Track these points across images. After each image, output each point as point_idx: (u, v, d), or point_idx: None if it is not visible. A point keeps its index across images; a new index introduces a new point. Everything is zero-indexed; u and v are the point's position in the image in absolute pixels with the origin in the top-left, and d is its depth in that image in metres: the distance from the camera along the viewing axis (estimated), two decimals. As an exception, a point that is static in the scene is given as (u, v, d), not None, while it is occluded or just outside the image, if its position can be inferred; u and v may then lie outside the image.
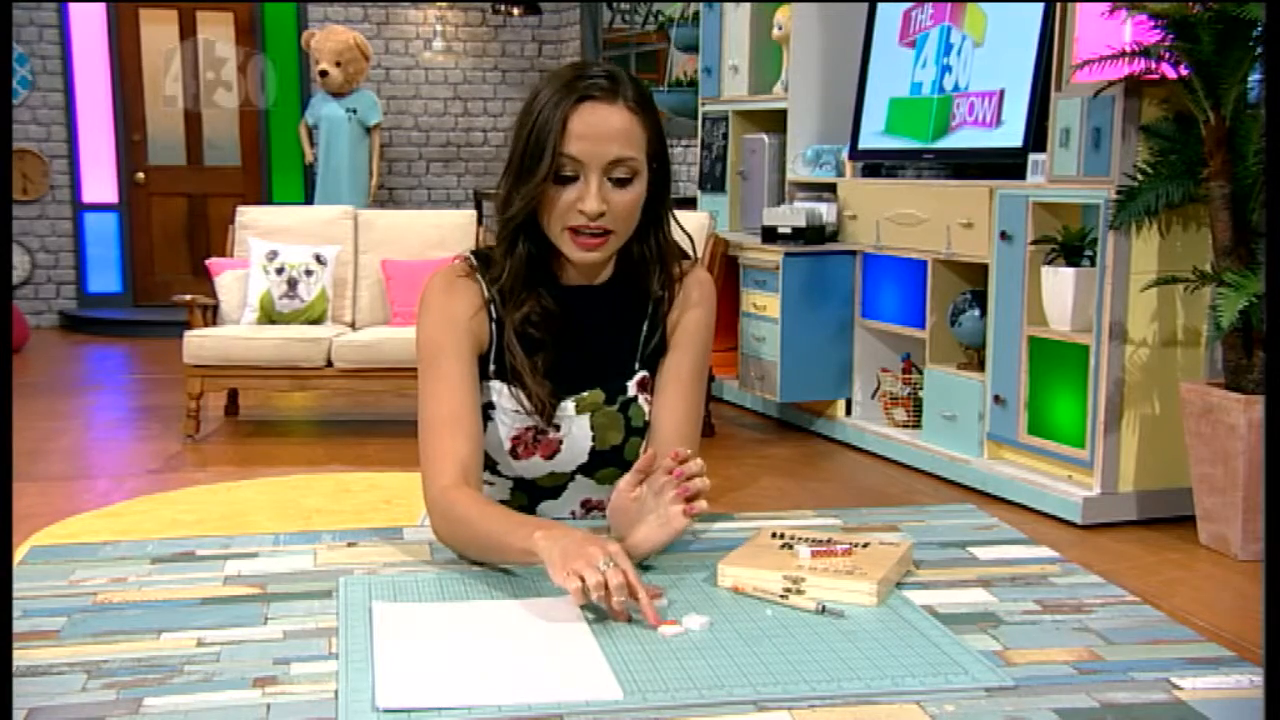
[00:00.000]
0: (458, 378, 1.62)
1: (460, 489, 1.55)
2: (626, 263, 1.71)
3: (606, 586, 1.29)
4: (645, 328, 1.74)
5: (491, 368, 1.69)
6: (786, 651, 1.25)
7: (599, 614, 1.33)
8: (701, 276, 1.78)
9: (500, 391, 1.68)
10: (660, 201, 1.68)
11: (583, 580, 1.30)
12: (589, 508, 1.78)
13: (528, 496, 1.75)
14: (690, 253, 1.78)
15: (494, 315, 1.67)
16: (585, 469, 1.73)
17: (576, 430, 1.70)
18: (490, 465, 1.71)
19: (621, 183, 1.60)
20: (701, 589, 1.42)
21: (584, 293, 1.71)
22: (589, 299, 1.71)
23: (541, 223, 1.64)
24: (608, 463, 1.73)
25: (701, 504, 1.45)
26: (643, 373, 1.74)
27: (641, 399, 1.73)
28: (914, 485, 4.80)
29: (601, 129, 1.58)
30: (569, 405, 1.70)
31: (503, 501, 1.76)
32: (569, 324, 1.69)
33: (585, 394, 1.71)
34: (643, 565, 1.51)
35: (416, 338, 1.68)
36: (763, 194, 5.97)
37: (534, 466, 1.71)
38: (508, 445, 1.69)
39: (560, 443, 1.70)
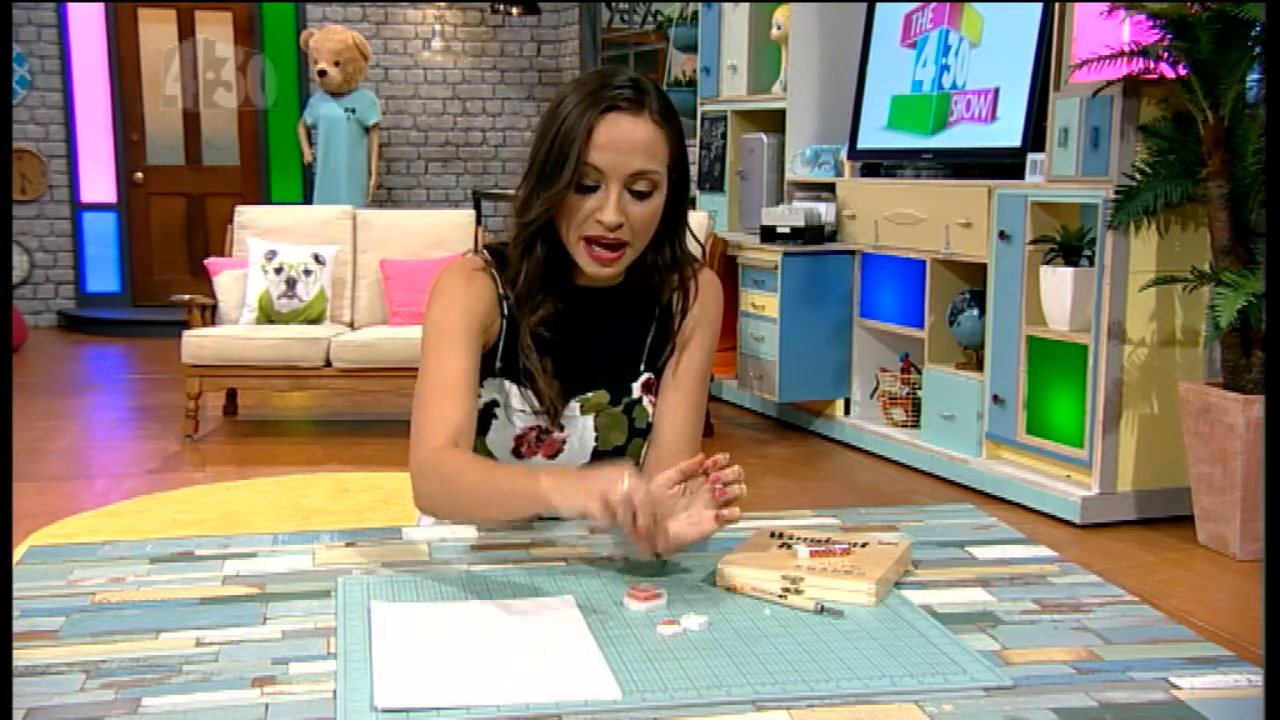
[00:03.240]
0: (461, 355, 1.61)
1: (450, 449, 1.54)
2: (640, 268, 1.71)
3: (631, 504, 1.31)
4: (653, 330, 1.75)
5: (498, 365, 1.69)
6: (785, 651, 1.25)
7: (597, 612, 1.33)
8: (713, 280, 1.78)
9: (509, 391, 1.69)
10: (678, 211, 1.68)
11: (604, 501, 1.31)
12: None
13: None
14: (699, 255, 1.79)
15: (506, 313, 1.68)
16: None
17: (580, 430, 1.71)
18: None
19: (642, 195, 1.60)
20: (700, 588, 1.42)
21: (595, 294, 1.71)
22: (599, 301, 1.71)
23: (559, 229, 1.63)
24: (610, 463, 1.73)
25: (734, 510, 1.44)
26: (647, 374, 1.75)
27: (646, 401, 1.74)
28: (912, 485, 4.80)
29: (625, 141, 1.58)
30: (574, 405, 1.70)
31: None
32: (579, 325, 1.69)
33: (590, 395, 1.71)
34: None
35: (426, 319, 1.66)
36: (761, 194, 5.97)
37: (536, 467, 1.71)
38: (511, 444, 1.70)
39: (563, 442, 1.71)
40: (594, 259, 1.61)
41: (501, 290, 1.68)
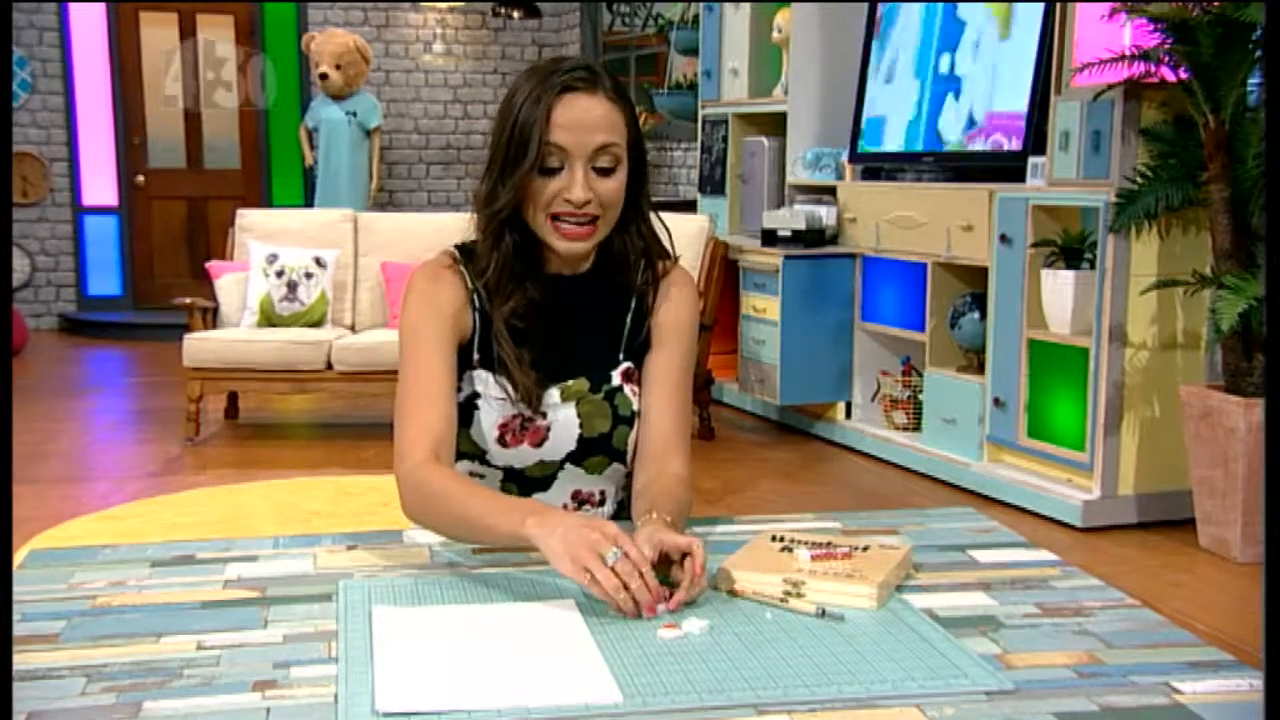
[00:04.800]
0: (435, 359, 1.64)
1: (433, 465, 1.57)
2: (607, 254, 1.74)
3: (624, 586, 1.32)
4: (629, 320, 1.77)
5: (476, 357, 1.71)
6: (786, 655, 1.25)
7: (598, 615, 1.33)
8: (682, 275, 1.81)
9: (486, 381, 1.70)
10: (639, 193, 1.71)
11: (591, 574, 1.33)
12: (580, 500, 1.79)
13: (518, 487, 1.76)
14: (670, 251, 1.81)
15: (478, 306, 1.70)
16: (574, 457, 1.74)
17: (563, 418, 1.72)
18: (479, 455, 1.73)
19: (605, 171, 1.64)
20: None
21: (566, 282, 1.74)
22: (572, 288, 1.74)
23: (526, 214, 1.66)
24: (596, 451, 1.74)
25: (678, 599, 1.36)
26: (627, 364, 1.76)
27: (627, 389, 1.75)
28: (913, 488, 4.80)
29: (585, 118, 1.61)
30: (554, 393, 1.72)
31: None
32: (553, 313, 1.72)
33: (570, 382, 1.73)
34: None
35: (399, 325, 1.70)
36: (762, 197, 5.97)
37: (523, 455, 1.73)
38: (495, 433, 1.71)
39: (548, 430, 1.72)
40: (565, 235, 1.64)
41: (471, 284, 1.70)
